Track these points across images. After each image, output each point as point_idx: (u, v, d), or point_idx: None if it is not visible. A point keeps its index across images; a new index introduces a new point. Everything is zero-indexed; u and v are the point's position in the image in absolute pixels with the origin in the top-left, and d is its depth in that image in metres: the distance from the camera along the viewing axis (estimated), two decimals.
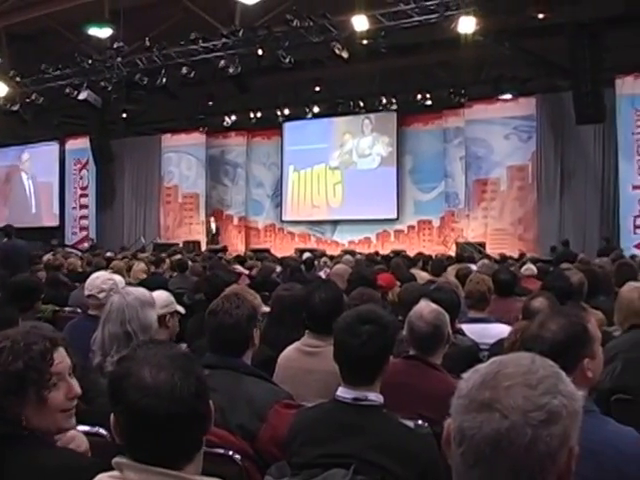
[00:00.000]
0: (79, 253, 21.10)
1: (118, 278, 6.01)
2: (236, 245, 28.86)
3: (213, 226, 27.72)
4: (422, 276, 9.49)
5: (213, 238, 27.35)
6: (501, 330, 5.15)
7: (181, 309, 4.89)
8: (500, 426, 1.38)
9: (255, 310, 3.90)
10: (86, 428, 2.93)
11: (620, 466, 2.52)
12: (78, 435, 2.66)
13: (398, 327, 3.61)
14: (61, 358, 2.44)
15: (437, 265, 10.74)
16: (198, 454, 1.96)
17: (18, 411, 2.31)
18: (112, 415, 1.94)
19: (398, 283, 8.05)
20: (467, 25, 16.74)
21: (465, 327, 5.31)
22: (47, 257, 15.68)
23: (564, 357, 2.73)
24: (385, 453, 2.86)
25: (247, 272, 11.66)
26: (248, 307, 3.77)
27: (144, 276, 11.06)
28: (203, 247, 26.87)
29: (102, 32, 20.74)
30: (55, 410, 2.40)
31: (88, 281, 5.66)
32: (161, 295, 4.70)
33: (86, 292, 5.60)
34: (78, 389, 2.49)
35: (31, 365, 2.34)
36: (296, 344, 4.51)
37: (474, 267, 10.27)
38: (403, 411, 3.36)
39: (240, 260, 15.23)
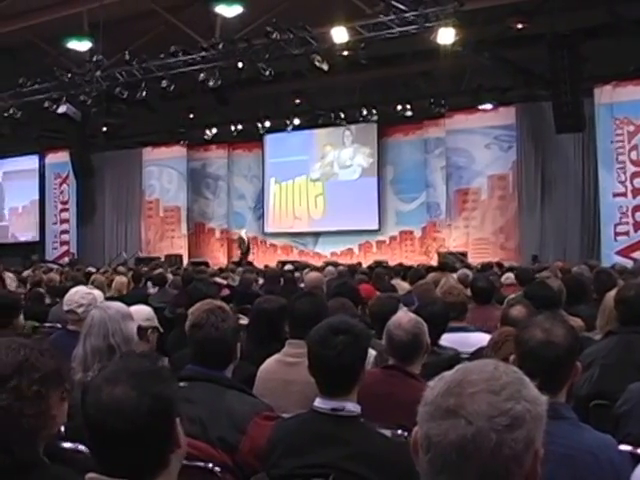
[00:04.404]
0: (59, 268, 21.00)
1: (97, 293, 5.99)
2: (218, 258, 28.80)
3: (244, 236, 26.97)
4: (403, 286, 9.52)
5: (246, 251, 26.61)
6: (481, 338, 5.15)
7: (161, 328, 4.89)
8: (465, 432, 1.41)
9: (238, 324, 3.93)
10: (67, 445, 2.94)
11: (597, 473, 2.54)
12: None
13: (370, 336, 3.63)
14: None
15: (415, 275, 10.75)
16: (165, 471, 1.97)
17: (46, 414, 2.27)
18: None
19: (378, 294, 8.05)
20: (447, 36, 16.77)
21: (445, 337, 5.33)
22: (27, 273, 15.63)
23: (570, 363, 2.77)
24: (363, 463, 2.88)
25: (225, 283, 11.64)
26: (233, 320, 3.79)
27: (125, 290, 11.06)
28: (185, 260, 26.81)
29: (81, 45, 20.68)
30: (66, 407, 2.41)
31: (67, 296, 5.64)
32: (144, 309, 4.73)
33: (65, 307, 5.58)
34: (68, 387, 2.50)
35: (60, 362, 2.36)
36: (276, 356, 4.51)
37: (455, 276, 10.31)
38: (383, 421, 3.38)
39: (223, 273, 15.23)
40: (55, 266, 22.95)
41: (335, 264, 18.28)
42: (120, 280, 11.49)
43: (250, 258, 26.03)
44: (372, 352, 4.53)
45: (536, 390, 1.52)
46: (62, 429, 2.61)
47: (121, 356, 2.18)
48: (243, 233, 27.05)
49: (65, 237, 31.59)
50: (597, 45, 18.59)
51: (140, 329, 4.23)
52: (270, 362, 4.51)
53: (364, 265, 19.24)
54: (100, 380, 1.98)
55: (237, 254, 27.49)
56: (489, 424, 1.41)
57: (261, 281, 12.69)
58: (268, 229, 28.79)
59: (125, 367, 2.00)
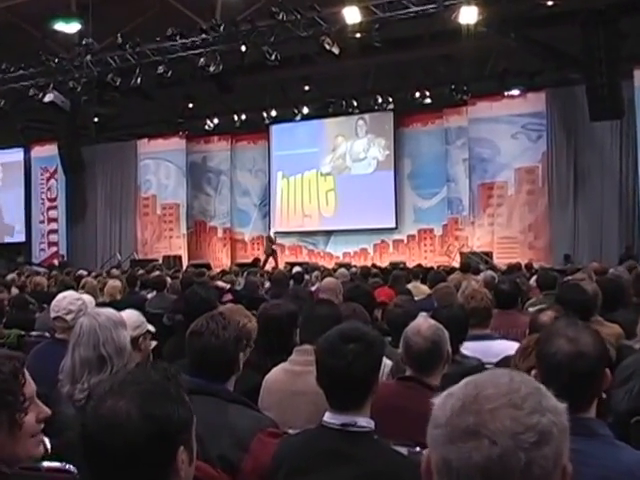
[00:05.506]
0: (47, 271, 21.05)
1: (87, 298, 6.00)
2: (221, 259, 28.87)
3: (273, 236, 26.70)
4: (422, 290, 9.51)
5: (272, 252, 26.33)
6: (506, 347, 5.14)
7: (151, 328, 4.89)
8: (490, 453, 1.38)
9: (242, 332, 3.91)
10: (55, 464, 2.94)
11: None
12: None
13: (384, 344, 3.62)
14: (28, 379, 2.42)
15: (435, 277, 10.73)
16: None
17: None
18: None
19: None
20: (469, 15, 16.77)
21: (467, 345, 5.31)
22: (11, 276, 15.67)
23: (602, 373, 2.75)
24: None
25: (228, 287, 11.67)
26: (235, 328, 3.78)
27: (119, 295, 11.07)
28: (185, 263, 26.84)
29: (69, 27, 20.76)
30: (27, 435, 2.38)
31: (54, 302, 5.64)
32: (131, 315, 4.69)
33: (52, 314, 5.58)
34: (47, 410, 2.48)
35: (4, 388, 2.31)
36: (282, 365, 4.50)
37: (478, 279, 10.29)
38: (398, 437, 3.36)
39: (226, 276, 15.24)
40: (42, 269, 23.02)
41: (348, 266, 18.32)
42: (113, 284, 11.48)
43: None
44: (387, 362, 4.53)
45: (554, 398, 1.50)
46: (48, 447, 2.60)
47: (137, 365, 2.17)
48: (272, 233, 26.91)
49: (53, 237, 31.65)
50: (637, 21, 18.33)
51: (131, 339, 4.22)
52: (276, 371, 4.50)
53: (380, 267, 19.20)
54: (105, 389, 1.98)
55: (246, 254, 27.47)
56: (515, 442, 1.38)
57: (267, 284, 12.73)
58: (275, 228, 28.74)
59: (134, 380, 1.99)
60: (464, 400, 1.46)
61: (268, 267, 23.67)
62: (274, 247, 26.33)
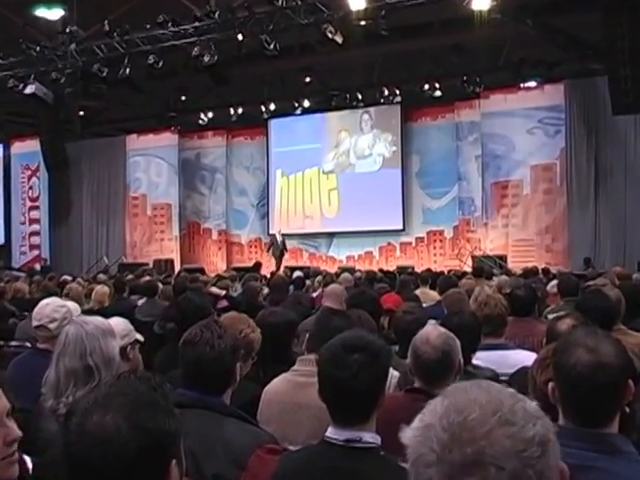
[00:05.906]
0: (28, 276, 21.02)
1: (73, 305, 5.99)
2: (215, 263, 28.86)
3: (279, 237, 26.27)
4: (431, 296, 9.50)
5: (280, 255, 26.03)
6: (523, 357, 5.13)
7: (140, 337, 4.89)
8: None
9: (241, 341, 3.91)
10: None
11: None
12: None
13: (391, 354, 3.60)
14: None
15: (446, 282, 10.72)
16: None
17: None
18: None
19: None
20: (482, 1, 16.77)
21: (480, 355, 5.30)
22: None
23: (625, 385, 2.72)
24: None
25: (223, 293, 11.66)
26: (231, 337, 3.77)
27: (107, 302, 11.09)
28: (177, 267, 26.81)
29: (52, 13, 20.71)
30: None
31: (36, 309, 5.61)
32: (118, 323, 4.68)
33: (34, 322, 5.55)
34: (17, 432, 2.41)
35: None
36: (284, 375, 4.50)
37: (492, 284, 10.29)
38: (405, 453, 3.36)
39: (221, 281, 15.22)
40: (23, 274, 22.99)
41: (352, 270, 18.30)
42: (101, 290, 11.50)
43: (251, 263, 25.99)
44: (394, 373, 4.53)
45: (527, 399, 1.48)
46: (29, 466, 2.60)
47: (118, 377, 2.13)
48: (278, 234, 26.56)
49: (35, 240, 31.64)
50: None
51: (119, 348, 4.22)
52: (277, 382, 4.50)
53: (386, 271, 19.21)
54: (89, 404, 1.96)
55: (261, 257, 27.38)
56: (521, 461, 1.37)
57: (266, 290, 12.73)
58: (274, 230, 28.76)
59: (119, 392, 1.97)
60: (450, 430, 1.41)
61: (266, 271, 23.65)
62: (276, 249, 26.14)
